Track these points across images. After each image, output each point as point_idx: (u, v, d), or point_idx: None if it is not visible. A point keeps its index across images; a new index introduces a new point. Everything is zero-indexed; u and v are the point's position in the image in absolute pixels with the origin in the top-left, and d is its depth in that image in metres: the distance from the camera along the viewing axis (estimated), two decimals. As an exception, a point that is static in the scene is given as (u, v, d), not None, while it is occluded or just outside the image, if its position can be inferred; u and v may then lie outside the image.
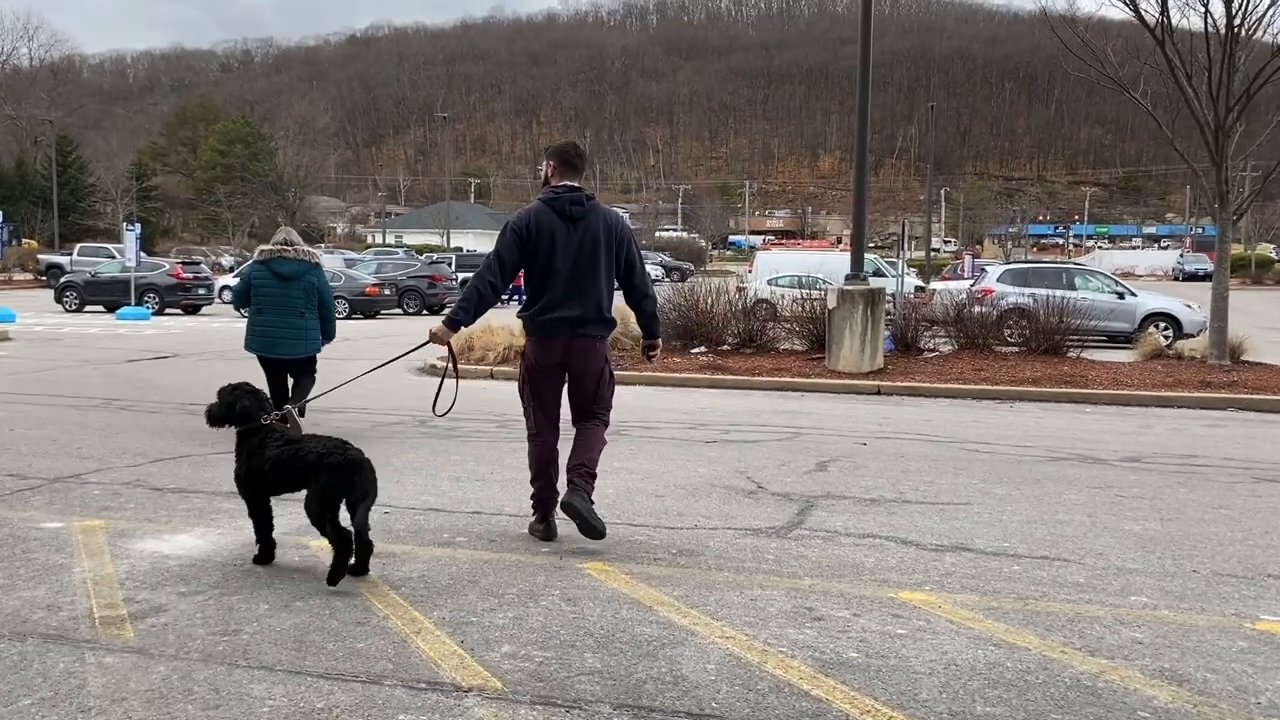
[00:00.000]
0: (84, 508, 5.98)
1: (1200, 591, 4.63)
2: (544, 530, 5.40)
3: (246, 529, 5.47)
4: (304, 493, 4.60)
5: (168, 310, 29.69)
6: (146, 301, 29.03)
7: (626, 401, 11.22)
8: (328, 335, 9.22)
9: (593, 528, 5.07)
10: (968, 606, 4.35)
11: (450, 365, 6.20)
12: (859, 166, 13.98)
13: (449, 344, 5.60)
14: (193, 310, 30.52)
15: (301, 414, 8.63)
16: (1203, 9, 12.21)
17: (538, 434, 5.44)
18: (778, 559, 5.07)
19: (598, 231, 5.25)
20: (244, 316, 9.23)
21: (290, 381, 9.02)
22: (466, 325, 5.43)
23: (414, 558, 4.99)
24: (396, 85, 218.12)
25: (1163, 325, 20.32)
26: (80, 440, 8.34)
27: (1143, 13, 12.61)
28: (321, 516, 4.45)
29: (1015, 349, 14.32)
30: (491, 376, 13.57)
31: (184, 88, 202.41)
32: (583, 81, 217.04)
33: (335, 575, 4.41)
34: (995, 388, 12.09)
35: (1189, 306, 20.83)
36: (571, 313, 5.21)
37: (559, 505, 5.27)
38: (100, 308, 30.00)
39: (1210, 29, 12.41)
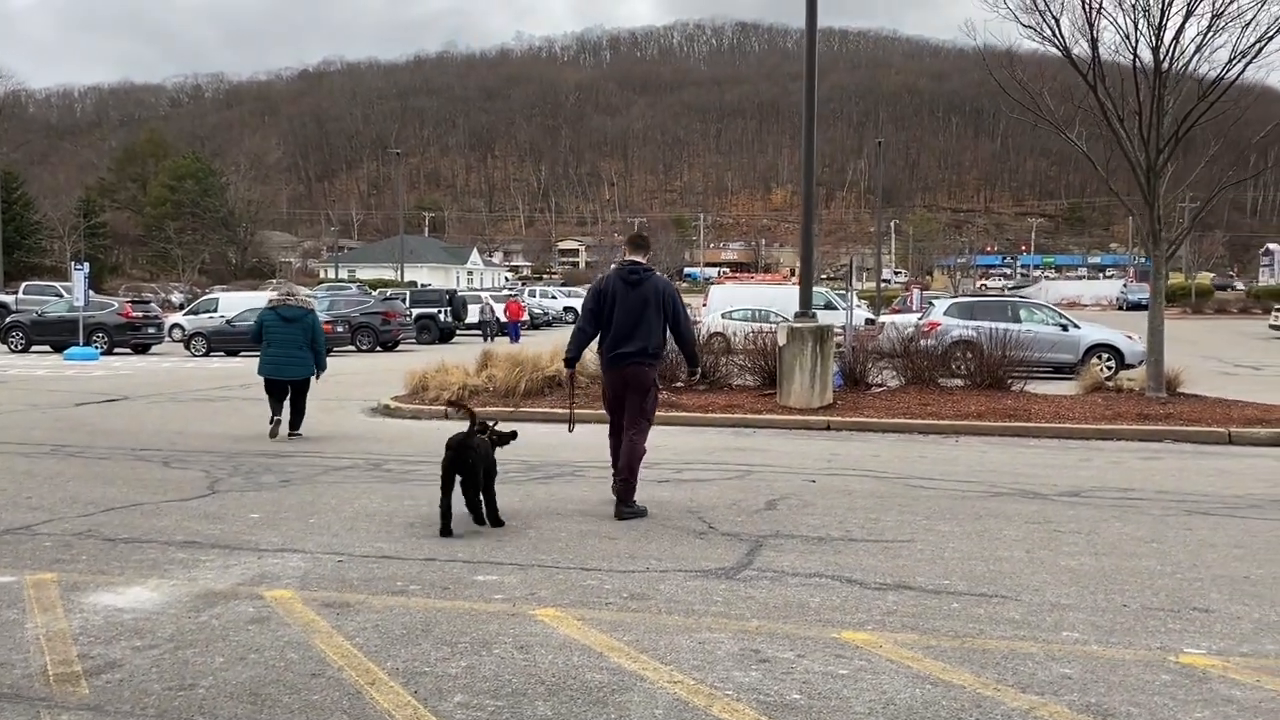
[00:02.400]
0: (35, 560, 5.97)
1: (1129, 626, 4.83)
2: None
3: (199, 580, 5.53)
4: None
5: (117, 350, 29.31)
6: (95, 341, 28.65)
7: (585, 440, 11.31)
8: (320, 364, 11.83)
9: (642, 512, 7.30)
10: (907, 645, 4.51)
11: (569, 392, 9.17)
12: (806, 211, 14.31)
13: (571, 377, 8.58)
14: (142, 350, 30.16)
15: (297, 428, 11.59)
16: (1130, 55, 12.75)
17: (613, 430, 7.79)
18: (726, 601, 5.20)
19: (648, 293, 7.48)
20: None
21: (290, 394, 11.67)
22: (576, 361, 7.95)
23: (368, 607, 5.06)
24: (349, 119, 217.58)
25: (1105, 357, 20.86)
26: (29, 489, 8.29)
27: (1075, 58, 13.09)
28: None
29: (961, 383, 14.63)
30: (446, 416, 13.59)
31: (133, 123, 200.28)
32: (537, 116, 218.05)
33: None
34: (941, 422, 12.37)
35: (1130, 338, 21.37)
36: (629, 349, 7.44)
37: (615, 516, 7.25)
38: (47, 348, 29.56)
39: (1139, 70, 12.91)
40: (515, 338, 34.94)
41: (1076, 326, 21.80)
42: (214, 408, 14.99)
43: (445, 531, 6.59)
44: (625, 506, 7.26)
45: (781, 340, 13.60)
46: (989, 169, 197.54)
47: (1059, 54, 13.51)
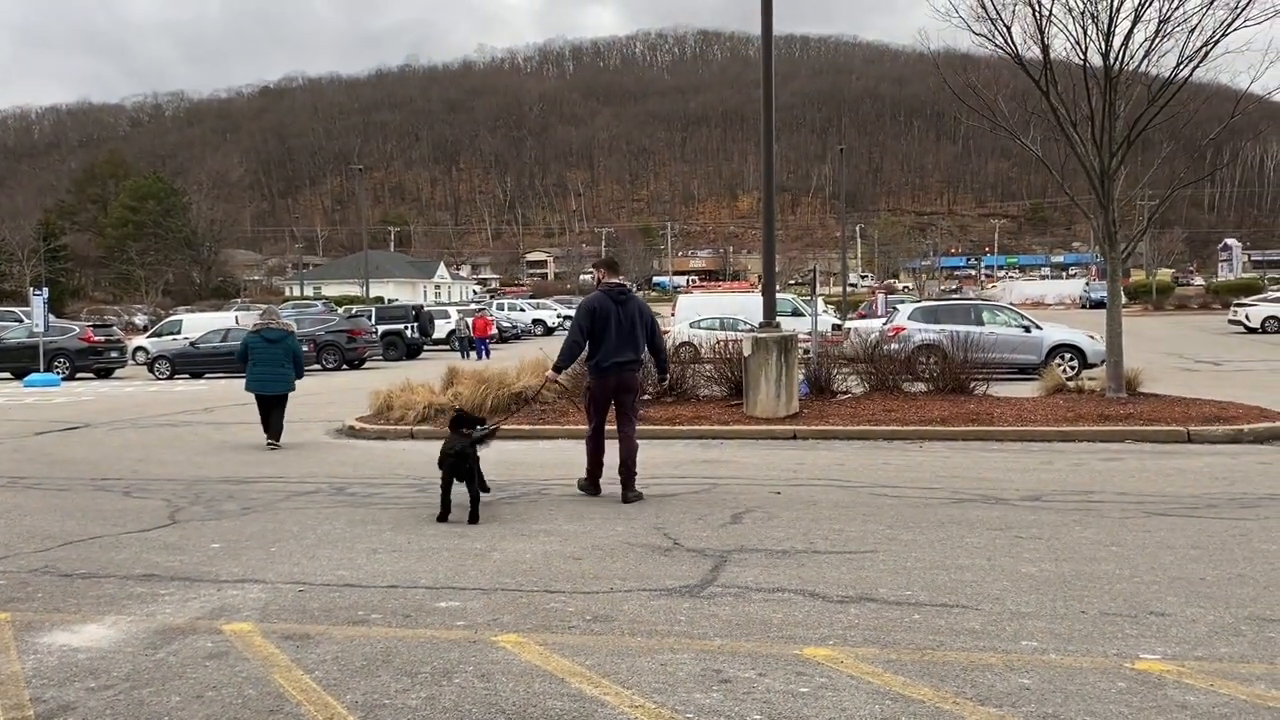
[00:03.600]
0: (-12, 600, 5.87)
1: (1086, 633, 4.88)
2: (591, 490, 8.85)
3: (158, 615, 5.47)
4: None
5: (79, 375, 28.97)
6: (56, 367, 28.30)
7: (549, 458, 11.35)
8: (299, 375, 13.57)
9: (640, 495, 8.60)
10: (868, 660, 4.53)
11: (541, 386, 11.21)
12: (767, 222, 14.38)
13: (558, 380, 9.85)
14: (105, 374, 29.82)
15: (278, 437, 13.03)
16: (1081, 61, 12.91)
17: (597, 430, 8.83)
18: (689, 620, 5.20)
19: (634, 310, 8.78)
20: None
21: (271, 409, 13.17)
22: (564, 370, 9.08)
23: (328, 638, 5.01)
24: (312, 135, 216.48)
25: (1068, 357, 21.09)
26: (-15, 525, 8.15)
27: (1026, 63, 13.26)
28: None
29: (925, 388, 14.73)
30: (412, 436, 13.54)
31: (92, 143, 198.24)
32: (501, 127, 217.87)
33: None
34: (905, 428, 12.45)
35: (1092, 338, 21.61)
36: (624, 358, 8.68)
37: (624, 500, 8.50)
38: (8, 374, 29.15)
39: (1090, 75, 13.08)
40: (483, 354, 34.37)
41: (1039, 327, 22.02)
42: (176, 433, 14.82)
43: (444, 518, 7.83)
44: (631, 491, 8.57)
45: (746, 350, 13.65)
46: (951, 172, 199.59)
47: (1011, 60, 13.67)
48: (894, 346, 18.79)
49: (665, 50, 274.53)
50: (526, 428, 13.30)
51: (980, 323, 21.44)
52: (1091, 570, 6.04)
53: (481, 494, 8.01)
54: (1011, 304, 35.38)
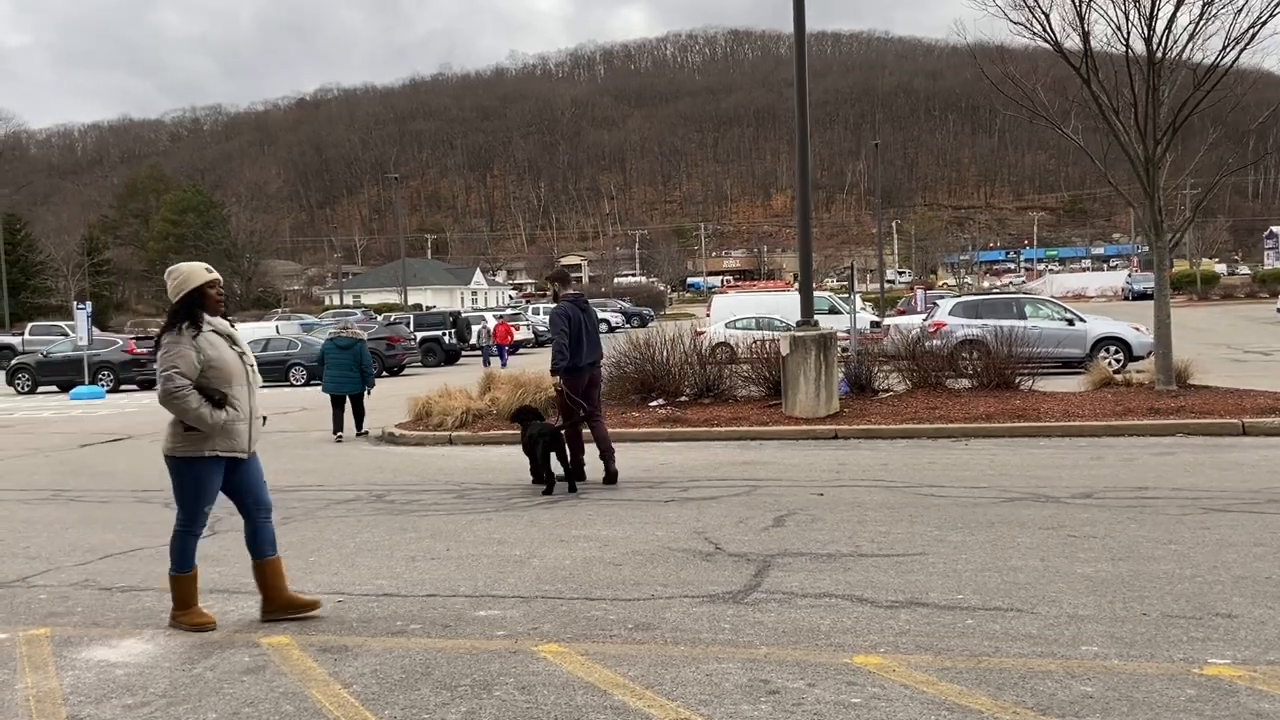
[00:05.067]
0: (29, 615, 5.86)
1: (1149, 636, 4.68)
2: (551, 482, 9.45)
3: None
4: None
5: (123, 387, 29.31)
6: (101, 380, 28.66)
7: (586, 461, 11.20)
8: (368, 382, 15.18)
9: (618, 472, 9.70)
10: (921, 668, 4.36)
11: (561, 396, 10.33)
12: (803, 218, 14.18)
13: (560, 384, 9.92)
14: (149, 385, 30.11)
15: (361, 429, 15.03)
16: (1123, 46, 12.59)
17: (577, 424, 9.81)
18: (734, 627, 5.06)
19: (594, 316, 10.10)
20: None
21: (350, 405, 15.08)
22: (559, 370, 9.68)
23: (367, 650, 4.93)
24: (348, 146, 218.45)
25: (1113, 349, 20.68)
26: (28, 538, 8.19)
27: (1066, 52, 12.96)
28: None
29: (968, 384, 14.46)
30: (450, 442, 13.50)
31: (133, 159, 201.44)
32: (534, 133, 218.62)
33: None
34: (950, 425, 12.21)
35: (1137, 329, 21.18)
36: (595, 357, 9.98)
37: (609, 477, 9.60)
38: (54, 388, 29.57)
39: (1132, 61, 12.76)
40: (504, 362, 33.30)
41: (1082, 320, 21.62)
42: (217, 443, 14.88)
43: (550, 489, 9.26)
44: (614, 466, 9.68)
45: (784, 350, 13.47)
46: (987, 165, 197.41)
47: (1050, 49, 13.38)
48: (935, 343, 18.52)
49: (696, 51, 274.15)
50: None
51: (1023, 317, 21.07)
52: (1151, 570, 5.82)
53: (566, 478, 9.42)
54: (1053, 297, 34.81)
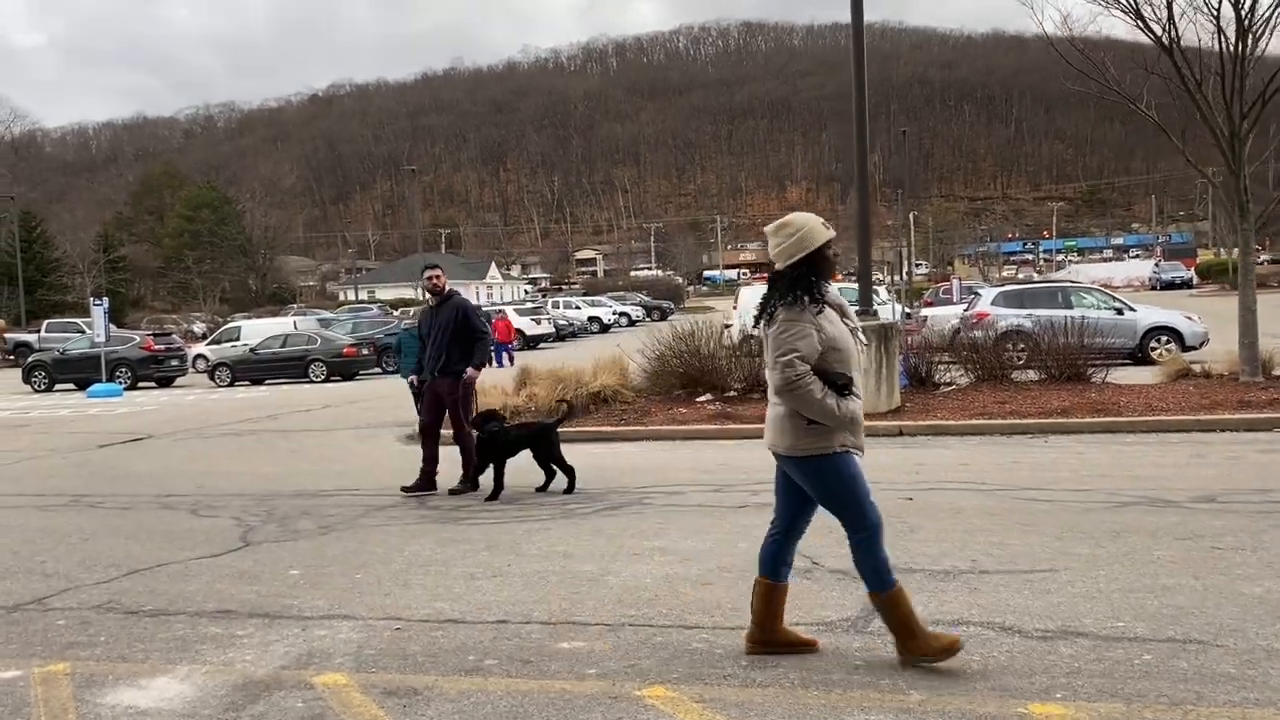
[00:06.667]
0: (46, 646, 5.15)
1: (1378, 678, 3.91)
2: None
3: (237, 663, 4.70)
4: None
5: (141, 384, 28.72)
6: (118, 377, 28.05)
7: (638, 463, 10.50)
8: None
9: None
10: (1118, 721, 3.61)
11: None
12: (861, 205, 13.43)
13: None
14: (166, 383, 29.55)
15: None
16: (1214, 16, 11.74)
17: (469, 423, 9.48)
18: (867, 665, 4.32)
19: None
20: None
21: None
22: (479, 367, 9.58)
23: (440, 693, 4.20)
24: (361, 141, 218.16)
25: (1164, 340, 19.84)
26: (44, 551, 7.50)
27: (1149, 21, 12.14)
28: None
29: (1034, 377, 13.66)
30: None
31: (148, 156, 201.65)
32: (547, 126, 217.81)
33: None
34: (1024, 421, 11.42)
35: (1189, 319, 20.38)
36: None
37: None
38: (71, 385, 29.00)
39: (1220, 28, 11.92)
40: (501, 362, 29.86)
41: (1132, 309, 20.77)
42: (241, 443, 14.22)
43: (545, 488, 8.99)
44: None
45: (841, 341, 12.68)
46: (1004, 155, 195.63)
47: (1125, 23, 12.56)
48: (977, 334, 17.73)
49: (709, 43, 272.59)
50: (609, 429, 12.49)
51: (1069, 306, 20.28)
52: (1330, 590, 5.04)
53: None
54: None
